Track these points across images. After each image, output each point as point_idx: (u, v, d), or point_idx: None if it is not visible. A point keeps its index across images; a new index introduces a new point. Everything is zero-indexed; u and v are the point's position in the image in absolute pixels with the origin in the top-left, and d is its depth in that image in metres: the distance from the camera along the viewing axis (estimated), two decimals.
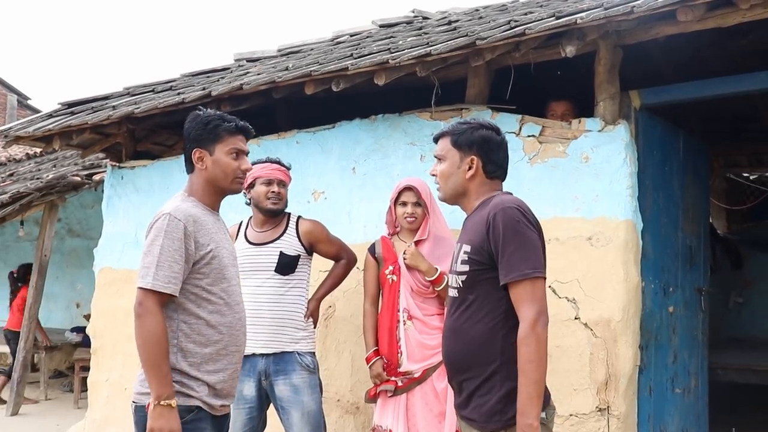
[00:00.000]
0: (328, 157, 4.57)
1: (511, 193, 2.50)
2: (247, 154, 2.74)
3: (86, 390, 5.87)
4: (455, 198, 2.55)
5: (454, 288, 2.48)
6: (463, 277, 2.41)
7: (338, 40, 5.80)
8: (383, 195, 4.29)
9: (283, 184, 3.76)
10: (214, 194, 2.70)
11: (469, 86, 4.23)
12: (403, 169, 4.27)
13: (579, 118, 3.86)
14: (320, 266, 4.07)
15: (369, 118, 4.47)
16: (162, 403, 2.42)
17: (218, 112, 2.74)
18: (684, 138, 4.43)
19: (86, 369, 6.39)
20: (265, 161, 3.78)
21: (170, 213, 2.53)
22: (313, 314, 3.77)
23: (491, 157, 2.49)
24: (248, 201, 3.81)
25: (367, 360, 3.65)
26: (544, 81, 4.46)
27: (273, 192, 3.70)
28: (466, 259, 2.40)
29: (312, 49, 5.59)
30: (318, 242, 3.80)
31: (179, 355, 2.53)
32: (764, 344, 6.57)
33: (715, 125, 6.21)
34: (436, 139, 2.61)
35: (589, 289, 3.65)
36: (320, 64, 4.28)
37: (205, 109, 2.74)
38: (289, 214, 3.83)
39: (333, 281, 3.88)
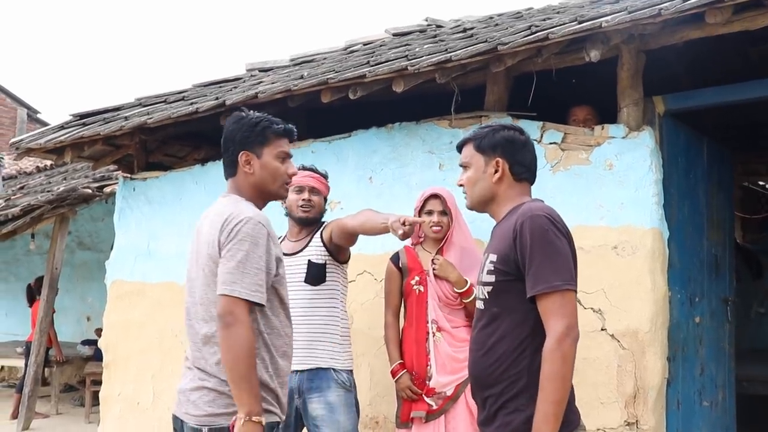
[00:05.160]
0: (344, 167, 4.50)
1: (542, 201, 2.40)
2: (291, 157, 2.64)
3: (98, 404, 5.79)
4: (483, 204, 2.46)
5: (481, 299, 2.38)
6: (489, 288, 2.32)
7: (351, 49, 5.74)
8: (401, 204, 4.21)
9: (315, 191, 3.59)
10: (260, 199, 2.60)
11: (488, 93, 4.15)
12: (421, 179, 4.19)
13: (602, 125, 3.78)
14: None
15: (386, 126, 4.39)
16: (254, 419, 2.28)
17: (264, 114, 2.62)
18: (708, 145, 4.34)
19: (97, 383, 6.31)
20: (299, 169, 3.58)
21: (253, 217, 2.41)
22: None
23: (517, 157, 2.40)
24: (286, 212, 3.67)
25: (393, 373, 3.52)
26: (562, 90, 4.39)
27: (304, 200, 3.55)
28: (492, 269, 2.30)
29: (325, 59, 5.54)
30: (332, 228, 3.47)
31: (260, 366, 2.41)
32: None
33: (733, 132, 6.11)
34: (459, 148, 2.53)
35: (615, 299, 3.56)
36: (336, 72, 4.21)
37: (248, 111, 2.64)
38: (323, 223, 3.63)
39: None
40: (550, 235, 2.19)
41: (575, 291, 2.21)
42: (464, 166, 2.49)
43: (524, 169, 2.42)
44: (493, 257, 2.31)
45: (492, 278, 2.30)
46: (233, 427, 2.31)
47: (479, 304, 2.40)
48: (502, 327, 2.28)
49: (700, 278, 4.15)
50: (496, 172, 2.39)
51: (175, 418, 2.54)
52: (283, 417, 2.55)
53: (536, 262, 2.17)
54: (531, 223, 2.21)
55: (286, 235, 3.70)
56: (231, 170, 2.60)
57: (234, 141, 2.56)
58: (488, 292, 2.32)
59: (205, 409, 2.40)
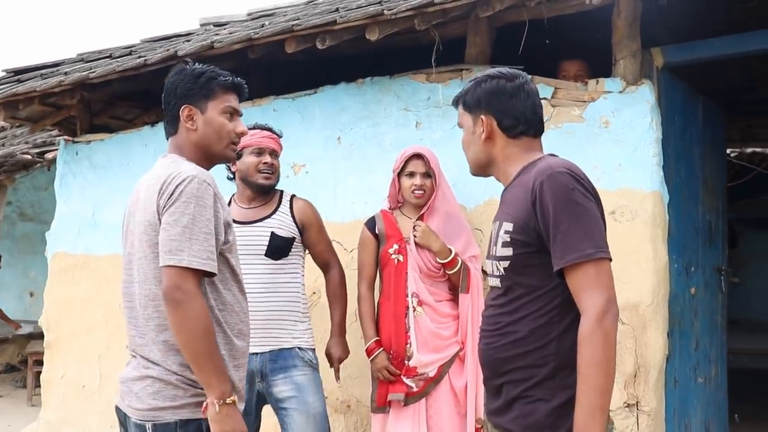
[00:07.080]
0: (310, 126, 4.09)
1: (557, 156, 2.04)
2: (240, 115, 2.33)
3: (41, 386, 5.34)
4: (481, 169, 2.13)
5: (496, 276, 2.02)
6: (506, 263, 1.95)
7: (316, 2, 5.30)
8: (373, 167, 3.85)
9: (275, 154, 3.25)
10: (205, 160, 2.26)
11: (469, 45, 3.78)
12: (395, 138, 3.82)
13: (596, 79, 3.45)
14: None
15: (356, 81, 3.99)
16: (228, 401, 2.01)
17: (210, 65, 2.31)
18: (703, 104, 4.04)
19: (41, 363, 5.86)
20: (254, 128, 3.24)
21: (197, 175, 2.08)
22: (341, 358, 3.24)
23: (505, 110, 2.03)
24: (231, 176, 3.30)
25: (368, 352, 3.19)
26: (548, 47, 4.04)
27: (265, 164, 3.18)
28: (509, 240, 1.93)
29: (286, 13, 5.09)
30: (310, 226, 3.25)
31: None
32: (762, 326, 6.28)
33: (714, 99, 5.86)
34: (455, 106, 2.20)
35: (613, 269, 3.18)
36: (302, 20, 3.79)
37: (192, 63, 2.33)
38: (281, 191, 3.32)
39: (342, 306, 3.28)
40: (575, 195, 1.84)
41: (610, 259, 1.86)
42: (461, 127, 2.17)
43: (516, 122, 2.03)
44: (509, 226, 1.95)
45: (509, 251, 1.94)
46: (205, 415, 2.02)
47: (493, 282, 2.05)
48: (524, 307, 1.93)
49: (695, 246, 3.87)
50: (483, 131, 2.06)
51: (119, 410, 2.20)
52: (242, 406, 2.21)
53: (562, 228, 1.82)
54: (552, 182, 1.85)
55: (232, 200, 3.34)
56: (172, 128, 2.28)
57: (175, 94, 2.26)
58: (505, 268, 1.96)
59: (149, 402, 2.08)
